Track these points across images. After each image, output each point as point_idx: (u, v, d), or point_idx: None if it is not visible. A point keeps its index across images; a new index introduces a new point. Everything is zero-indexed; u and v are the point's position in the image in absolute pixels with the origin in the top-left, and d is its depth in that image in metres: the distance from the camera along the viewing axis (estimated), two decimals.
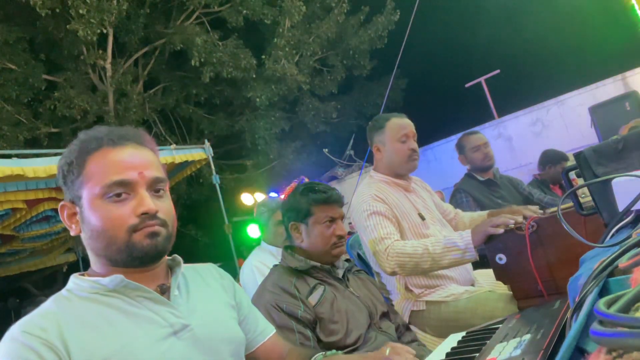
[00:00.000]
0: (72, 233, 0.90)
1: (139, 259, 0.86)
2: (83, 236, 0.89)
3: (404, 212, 1.87)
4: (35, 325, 0.77)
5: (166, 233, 0.88)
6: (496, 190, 2.87)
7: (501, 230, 1.47)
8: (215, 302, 1.01)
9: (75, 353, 0.77)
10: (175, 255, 1.01)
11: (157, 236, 0.86)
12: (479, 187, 2.88)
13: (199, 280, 1.02)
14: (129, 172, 0.86)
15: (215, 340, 0.93)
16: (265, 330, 1.11)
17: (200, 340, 0.89)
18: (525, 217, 1.51)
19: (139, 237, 0.85)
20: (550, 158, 3.55)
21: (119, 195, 0.85)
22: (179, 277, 0.95)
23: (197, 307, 0.94)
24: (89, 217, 0.85)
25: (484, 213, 2.14)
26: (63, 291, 0.89)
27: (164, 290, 0.92)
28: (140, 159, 0.89)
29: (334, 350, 1.11)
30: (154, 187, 0.89)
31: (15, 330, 0.77)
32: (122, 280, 0.85)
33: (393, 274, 1.74)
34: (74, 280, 0.89)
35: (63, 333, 0.78)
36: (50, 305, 0.84)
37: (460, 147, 3.02)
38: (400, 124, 1.94)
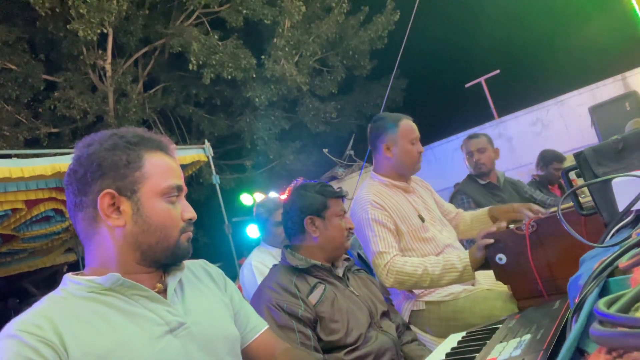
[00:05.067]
0: (109, 223, 0.86)
1: (178, 259, 0.94)
2: (128, 229, 0.87)
3: (404, 215, 1.87)
4: (30, 323, 0.77)
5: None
6: (497, 194, 2.88)
7: (491, 241, 1.48)
8: (210, 300, 1.01)
9: (72, 348, 0.76)
10: None
11: (191, 241, 0.95)
12: (480, 189, 2.90)
13: (192, 278, 1.02)
14: (181, 180, 0.94)
15: (212, 337, 0.93)
16: (257, 327, 1.10)
17: (196, 338, 0.90)
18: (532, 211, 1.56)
19: (183, 239, 0.93)
20: (543, 158, 3.57)
21: (173, 198, 0.91)
22: (177, 278, 0.96)
23: (192, 306, 0.95)
24: (149, 211, 0.88)
25: (486, 210, 2.15)
26: (58, 291, 0.88)
27: (161, 290, 0.93)
28: (180, 171, 0.97)
29: None
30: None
31: (10, 328, 0.77)
32: (118, 279, 0.85)
33: (391, 287, 1.78)
34: (69, 279, 0.89)
35: (58, 329, 0.77)
36: (43, 304, 0.84)
37: (463, 150, 3.08)
38: (412, 127, 2.01)
